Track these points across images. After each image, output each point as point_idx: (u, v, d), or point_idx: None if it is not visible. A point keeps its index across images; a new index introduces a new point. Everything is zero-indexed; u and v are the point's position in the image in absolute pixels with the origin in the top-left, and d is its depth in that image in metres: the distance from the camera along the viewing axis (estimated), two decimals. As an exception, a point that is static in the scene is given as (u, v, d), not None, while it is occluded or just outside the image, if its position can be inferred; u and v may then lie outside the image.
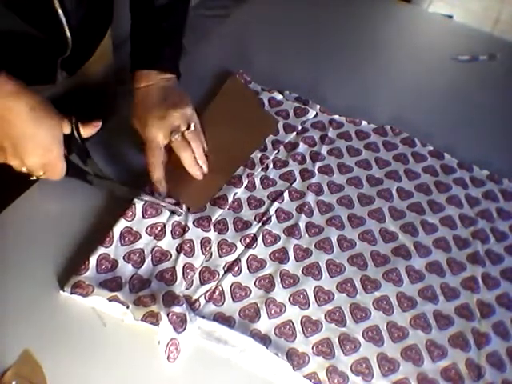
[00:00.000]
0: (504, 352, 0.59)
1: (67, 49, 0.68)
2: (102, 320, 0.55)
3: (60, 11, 0.62)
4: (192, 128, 0.67)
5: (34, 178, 0.62)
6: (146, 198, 0.64)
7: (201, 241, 0.63)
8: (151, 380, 0.53)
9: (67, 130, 0.60)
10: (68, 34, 0.65)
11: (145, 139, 0.67)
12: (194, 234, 0.63)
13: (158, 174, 0.66)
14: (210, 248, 0.63)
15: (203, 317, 0.56)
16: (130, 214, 0.63)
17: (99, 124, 0.64)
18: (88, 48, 0.77)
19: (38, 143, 0.57)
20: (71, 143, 0.61)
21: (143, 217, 0.63)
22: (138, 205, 0.64)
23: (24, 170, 0.60)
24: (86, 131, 0.62)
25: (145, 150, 0.67)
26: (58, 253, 0.60)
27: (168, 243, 0.62)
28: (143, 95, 0.69)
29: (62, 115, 0.60)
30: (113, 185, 0.65)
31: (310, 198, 0.70)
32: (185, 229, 0.64)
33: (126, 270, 0.59)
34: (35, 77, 0.62)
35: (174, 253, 0.62)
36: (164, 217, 0.64)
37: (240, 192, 0.70)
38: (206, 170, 0.70)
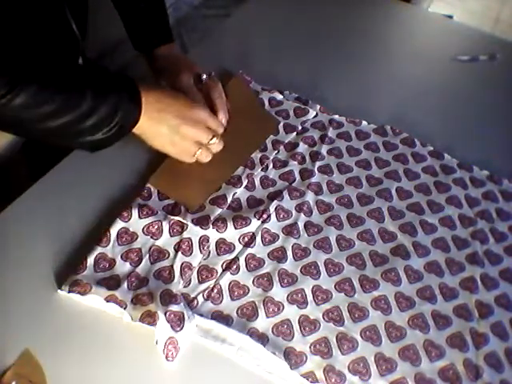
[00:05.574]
0: (502, 352, 0.59)
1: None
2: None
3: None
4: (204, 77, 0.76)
5: None
6: None
7: (199, 239, 0.63)
8: (150, 379, 0.53)
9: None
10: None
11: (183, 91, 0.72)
12: (193, 232, 0.64)
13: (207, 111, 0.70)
14: (208, 247, 0.63)
15: (201, 315, 0.56)
16: (126, 214, 0.63)
17: None
18: None
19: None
20: None
21: (139, 217, 0.63)
22: (135, 206, 0.64)
23: None
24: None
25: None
26: (56, 253, 0.60)
27: (166, 242, 0.62)
28: (161, 59, 0.80)
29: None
30: None
31: (310, 197, 0.70)
32: (183, 227, 0.64)
33: (123, 268, 0.59)
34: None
35: (171, 251, 0.62)
36: (161, 215, 0.64)
37: (239, 192, 0.70)
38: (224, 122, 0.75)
